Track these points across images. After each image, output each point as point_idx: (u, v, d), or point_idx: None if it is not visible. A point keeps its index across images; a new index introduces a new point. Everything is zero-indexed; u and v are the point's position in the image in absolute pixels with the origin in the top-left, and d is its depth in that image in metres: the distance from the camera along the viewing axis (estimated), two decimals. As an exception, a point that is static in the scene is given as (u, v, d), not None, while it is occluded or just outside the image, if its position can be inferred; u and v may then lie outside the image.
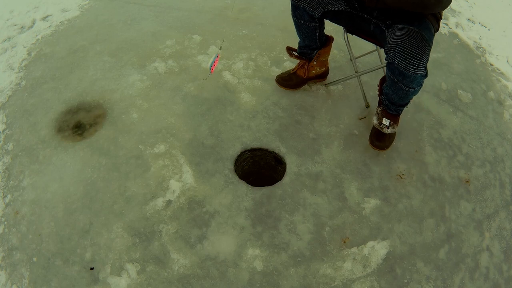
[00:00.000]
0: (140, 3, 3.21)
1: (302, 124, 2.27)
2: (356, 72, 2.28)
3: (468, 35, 3.08)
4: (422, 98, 2.46)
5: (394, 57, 1.66)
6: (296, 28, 2.17)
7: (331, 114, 2.33)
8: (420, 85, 1.76)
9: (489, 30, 3.21)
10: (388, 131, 2.04)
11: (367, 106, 2.35)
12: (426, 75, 1.72)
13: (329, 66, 2.45)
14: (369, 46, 2.62)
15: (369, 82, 2.51)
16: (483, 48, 2.98)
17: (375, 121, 2.08)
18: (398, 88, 1.81)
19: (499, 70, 2.81)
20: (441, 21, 3.15)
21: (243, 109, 2.33)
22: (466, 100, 2.51)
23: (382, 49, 2.16)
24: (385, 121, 2.02)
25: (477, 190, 2.09)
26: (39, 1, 3.29)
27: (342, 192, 2.01)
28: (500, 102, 2.56)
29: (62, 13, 3.15)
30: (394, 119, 2.03)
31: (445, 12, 3.26)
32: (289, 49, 2.36)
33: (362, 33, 2.08)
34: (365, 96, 2.36)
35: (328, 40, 2.25)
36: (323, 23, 2.12)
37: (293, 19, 2.11)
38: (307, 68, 2.31)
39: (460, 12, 3.36)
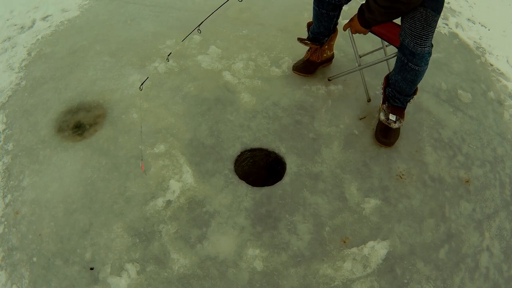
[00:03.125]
0: (140, 3, 3.21)
1: (302, 124, 2.27)
2: (359, 65, 2.32)
3: (468, 35, 3.08)
4: (422, 98, 2.46)
5: (405, 37, 1.86)
6: (314, 17, 2.28)
7: (331, 114, 2.33)
8: (427, 63, 1.91)
9: (489, 30, 3.21)
10: (396, 125, 2.11)
11: (369, 100, 2.40)
12: (431, 52, 1.89)
13: (332, 61, 2.60)
14: (370, 46, 2.63)
15: (370, 82, 2.51)
16: (483, 48, 2.98)
17: (382, 116, 2.14)
18: (408, 70, 1.94)
19: (499, 70, 2.81)
20: (441, 21, 3.17)
21: (243, 109, 2.33)
22: (466, 100, 2.51)
23: (388, 45, 2.28)
24: (392, 117, 2.10)
25: (477, 190, 2.09)
26: (39, 1, 3.29)
27: (342, 192, 2.01)
28: (500, 102, 2.56)
29: (62, 13, 3.15)
30: (400, 113, 2.11)
31: (445, 12, 3.26)
32: (301, 40, 2.46)
33: None
34: (367, 90, 2.39)
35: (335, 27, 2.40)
36: (340, 12, 2.25)
37: (314, 8, 2.22)
38: (319, 53, 2.45)
39: (460, 12, 3.36)
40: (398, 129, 2.21)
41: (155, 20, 3.00)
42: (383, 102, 2.18)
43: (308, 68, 2.51)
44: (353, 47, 2.30)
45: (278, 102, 2.38)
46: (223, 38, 2.79)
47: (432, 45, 1.88)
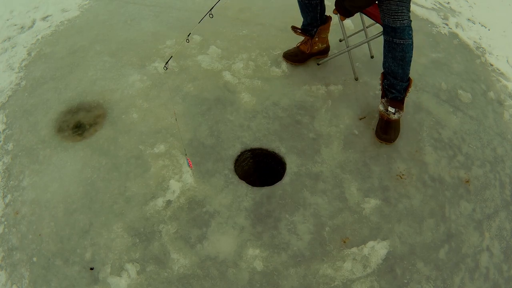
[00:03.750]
0: (140, 3, 3.21)
1: (302, 124, 2.27)
2: (347, 47, 2.46)
3: (468, 35, 3.08)
4: (422, 98, 2.46)
5: (384, 17, 2.00)
6: (300, 9, 2.41)
7: (331, 114, 2.33)
8: (410, 37, 2.02)
9: (489, 30, 3.21)
10: (395, 117, 2.15)
11: (356, 78, 2.52)
12: (410, 25, 2.01)
13: (328, 54, 2.68)
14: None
15: (370, 82, 2.51)
16: (483, 48, 2.98)
17: (381, 108, 2.19)
18: (394, 47, 2.03)
19: (499, 70, 2.81)
20: (441, 21, 3.18)
21: (243, 109, 2.33)
22: (466, 100, 2.51)
23: (369, 28, 2.59)
24: (391, 109, 2.15)
25: (477, 190, 2.09)
26: (39, 1, 3.29)
27: (342, 192, 2.01)
28: (500, 102, 2.56)
29: (62, 13, 3.15)
30: (399, 106, 2.17)
31: (445, 12, 3.26)
32: (294, 28, 2.56)
33: None
34: (354, 69, 2.52)
35: (327, 19, 2.50)
36: (323, 1, 2.35)
37: (297, 1, 2.35)
38: (310, 44, 2.53)
39: (460, 12, 3.36)
40: (398, 126, 2.23)
41: (155, 20, 3.00)
42: (382, 97, 2.24)
43: (296, 56, 2.59)
44: (342, 32, 2.45)
45: (278, 102, 2.38)
46: (223, 38, 2.79)
47: (410, 20, 2.00)
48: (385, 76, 2.18)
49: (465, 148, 2.26)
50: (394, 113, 2.14)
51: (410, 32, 2.01)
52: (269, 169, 2.26)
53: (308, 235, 1.86)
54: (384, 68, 2.17)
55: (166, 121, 2.27)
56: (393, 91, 2.15)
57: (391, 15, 1.96)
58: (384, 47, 2.10)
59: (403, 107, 2.17)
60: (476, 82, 2.65)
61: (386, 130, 2.19)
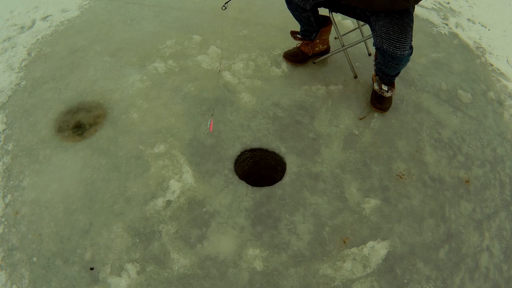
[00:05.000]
0: (140, 3, 3.21)
1: (302, 124, 2.27)
2: (343, 46, 2.46)
3: (468, 35, 3.08)
4: (422, 98, 2.46)
5: (382, 43, 1.88)
6: (293, 16, 2.37)
7: (331, 114, 2.33)
8: (408, 61, 2.00)
9: (489, 30, 3.21)
10: (388, 94, 2.26)
11: (355, 77, 2.54)
12: (411, 53, 1.96)
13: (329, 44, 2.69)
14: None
15: (369, 82, 2.51)
16: (483, 48, 2.98)
17: (376, 86, 2.28)
18: (389, 66, 2.07)
19: (499, 70, 2.81)
20: (441, 21, 3.17)
21: (243, 109, 2.33)
22: (466, 100, 2.51)
23: (363, 26, 2.55)
24: (384, 87, 2.26)
25: (477, 190, 2.09)
26: (39, 1, 3.29)
27: (342, 192, 2.01)
28: (500, 102, 2.56)
29: (62, 13, 3.15)
30: (391, 84, 2.29)
31: (445, 12, 3.26)
32: (293, 33, 2.54)
33: (349, 15, 2.26)
34: (352, 68, 2.53)
35: (326, 20, 2.45)
36: (316, 11, 2.30)
37: (289, 10, 2.32)
38: (311, 46, 2.52)
39: (460, 12, 3.36)
40: (391, 98, 2.36)
41: (155, 20, 3.00)
42: (376, 74, 2.29)
43: (297, 57, 2.58)
44: (336, 31, 2.44)
45: (278, 102, 2.38)
46: (223, 38, 2.79)
47: (412, 47, 1.90)
48: (377, 66, 2.22)
49: (465, 148, 2.26)
50: (387, 91, 2.24)
51: (409, 57, 1.93)
52: (269, 168, 2.26)
53: (308, 235, 1.86)
54: (376, 62, 2.20)
55: (166, 121, 2.27)
56: (384, 78, 2.23)
57: (391, 41, 1.79)
58: (378, 59, 2.10)
59: (394, 85, 2.28)
60: (476, 82, 2.65)
61: (381, 101, 2.31)
